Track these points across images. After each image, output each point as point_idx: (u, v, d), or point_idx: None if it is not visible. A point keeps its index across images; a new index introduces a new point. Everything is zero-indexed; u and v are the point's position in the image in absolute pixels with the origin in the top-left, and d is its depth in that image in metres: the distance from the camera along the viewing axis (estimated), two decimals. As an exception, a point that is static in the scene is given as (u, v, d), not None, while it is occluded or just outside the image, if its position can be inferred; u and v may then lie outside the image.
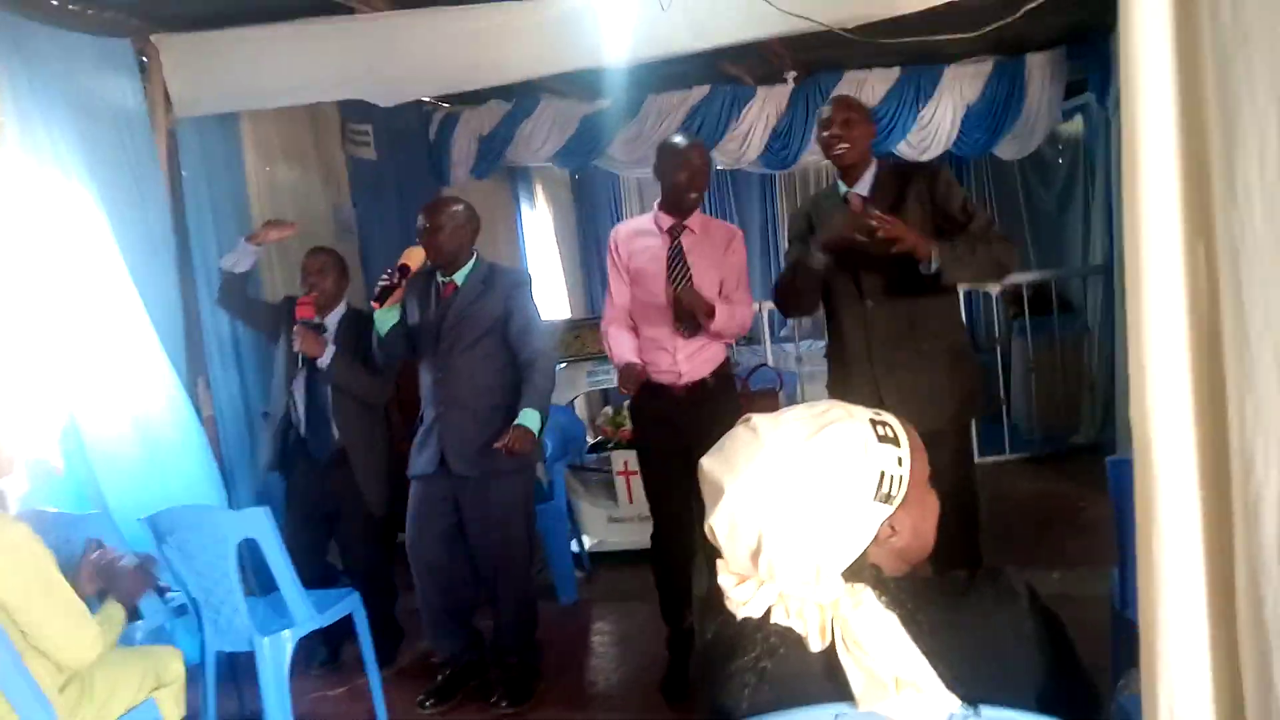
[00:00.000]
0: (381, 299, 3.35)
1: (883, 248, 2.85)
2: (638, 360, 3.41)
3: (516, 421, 3.32)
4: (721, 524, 1.30)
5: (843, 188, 3.20)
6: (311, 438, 3.87)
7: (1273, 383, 1.20)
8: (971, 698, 1.29)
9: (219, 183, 4.64)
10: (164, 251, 4.22)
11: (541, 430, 3.42)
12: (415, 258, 3.38)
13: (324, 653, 4.05)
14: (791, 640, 1.30)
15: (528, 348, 3.45)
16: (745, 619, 1.33)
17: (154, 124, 4.31)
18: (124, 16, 4.11)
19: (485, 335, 3.46)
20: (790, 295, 3.26)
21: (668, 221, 3.45)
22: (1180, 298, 1.28)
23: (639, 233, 3.53)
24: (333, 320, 3.93)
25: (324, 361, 3.77)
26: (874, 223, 2.81)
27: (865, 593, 1.30)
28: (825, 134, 3.15)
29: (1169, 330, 1.30)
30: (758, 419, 1.33)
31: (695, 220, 3.46)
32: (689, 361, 3.41)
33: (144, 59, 4.26)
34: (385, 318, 3.45)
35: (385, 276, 3.35)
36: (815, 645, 1.29)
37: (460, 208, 3.53)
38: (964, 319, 3.10)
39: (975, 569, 1.42)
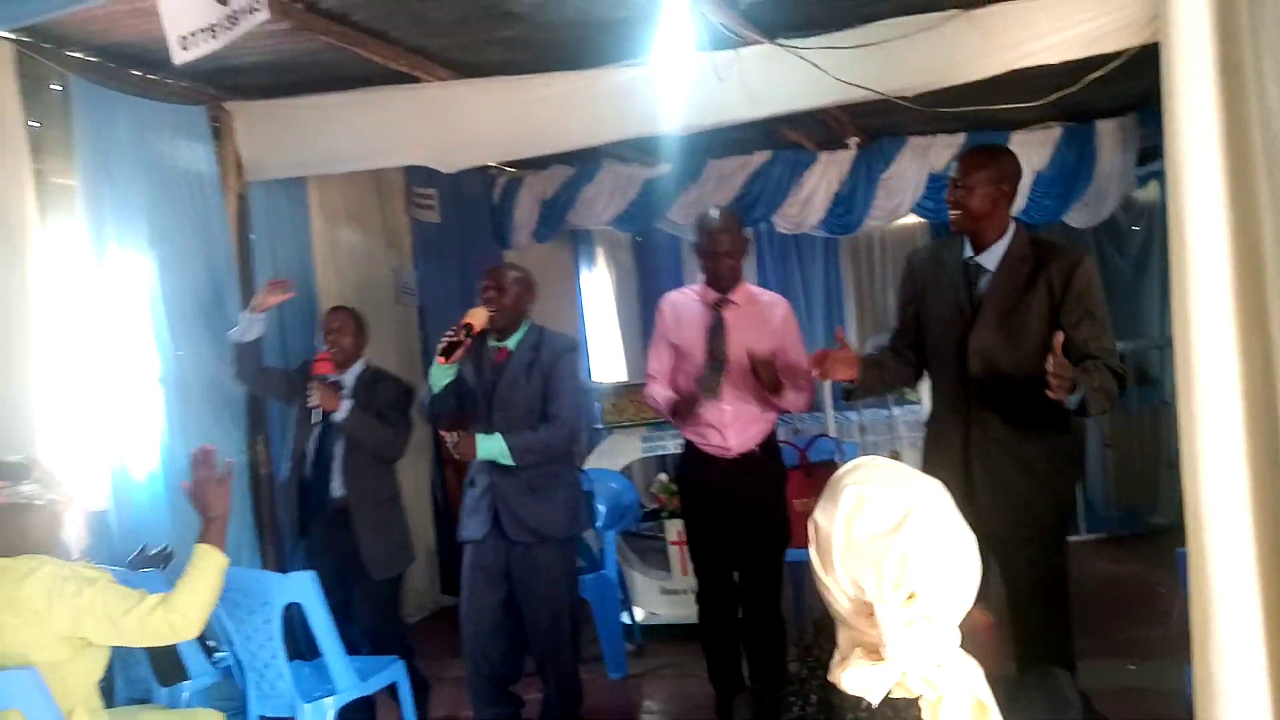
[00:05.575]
0: (448, 354, 3.37)
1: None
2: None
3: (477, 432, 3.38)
4: (872, 528, 1.20)
5: (969, 250, 2.84)
6: (317, 494, 3.81)
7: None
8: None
9: (285, 245, 4.77)
10: (231, 310, 4.31)
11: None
12: (479, 317, 3.42)
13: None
14: None
15: (550, 408, 3.45)
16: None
17: (225, 187, 4.46)
18: (199, 85, 4.28)
19: (536, 404, 3.46)
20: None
21: (711, 296, 3.44)
22: (1236, 400, 1.20)
23: (686, 305, 3.52)
24: (351, 376, 3.88)
25: (340, 415, 3.72)
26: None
27: (977, 669, 1.25)
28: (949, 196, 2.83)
29: (1224, 428, 1.22)
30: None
31: (740, 294, 3.43)
32: (738, 436, 3.39)
33: (217, 125, 4.42)
34: (442, 375, 3.45)
35: (451, 332, 3.38)
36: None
37: (520, 274, 3.57)
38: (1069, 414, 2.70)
39: (1030, 670, 1.35)
